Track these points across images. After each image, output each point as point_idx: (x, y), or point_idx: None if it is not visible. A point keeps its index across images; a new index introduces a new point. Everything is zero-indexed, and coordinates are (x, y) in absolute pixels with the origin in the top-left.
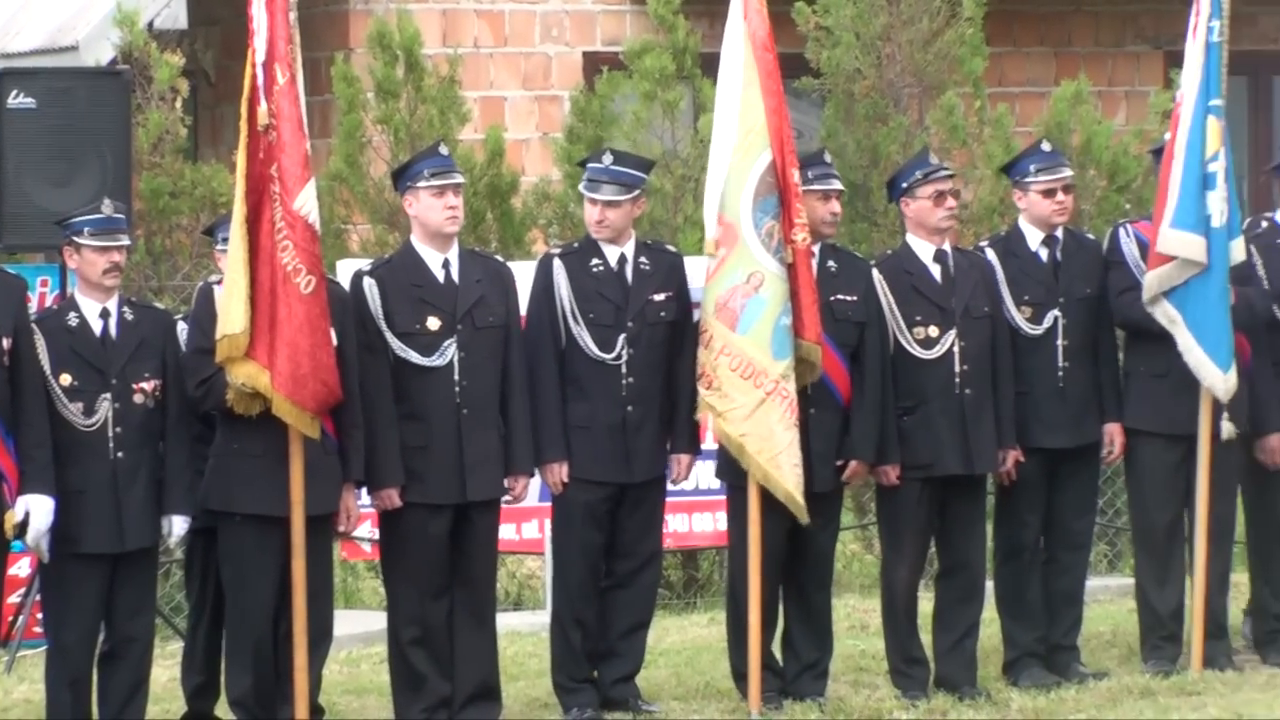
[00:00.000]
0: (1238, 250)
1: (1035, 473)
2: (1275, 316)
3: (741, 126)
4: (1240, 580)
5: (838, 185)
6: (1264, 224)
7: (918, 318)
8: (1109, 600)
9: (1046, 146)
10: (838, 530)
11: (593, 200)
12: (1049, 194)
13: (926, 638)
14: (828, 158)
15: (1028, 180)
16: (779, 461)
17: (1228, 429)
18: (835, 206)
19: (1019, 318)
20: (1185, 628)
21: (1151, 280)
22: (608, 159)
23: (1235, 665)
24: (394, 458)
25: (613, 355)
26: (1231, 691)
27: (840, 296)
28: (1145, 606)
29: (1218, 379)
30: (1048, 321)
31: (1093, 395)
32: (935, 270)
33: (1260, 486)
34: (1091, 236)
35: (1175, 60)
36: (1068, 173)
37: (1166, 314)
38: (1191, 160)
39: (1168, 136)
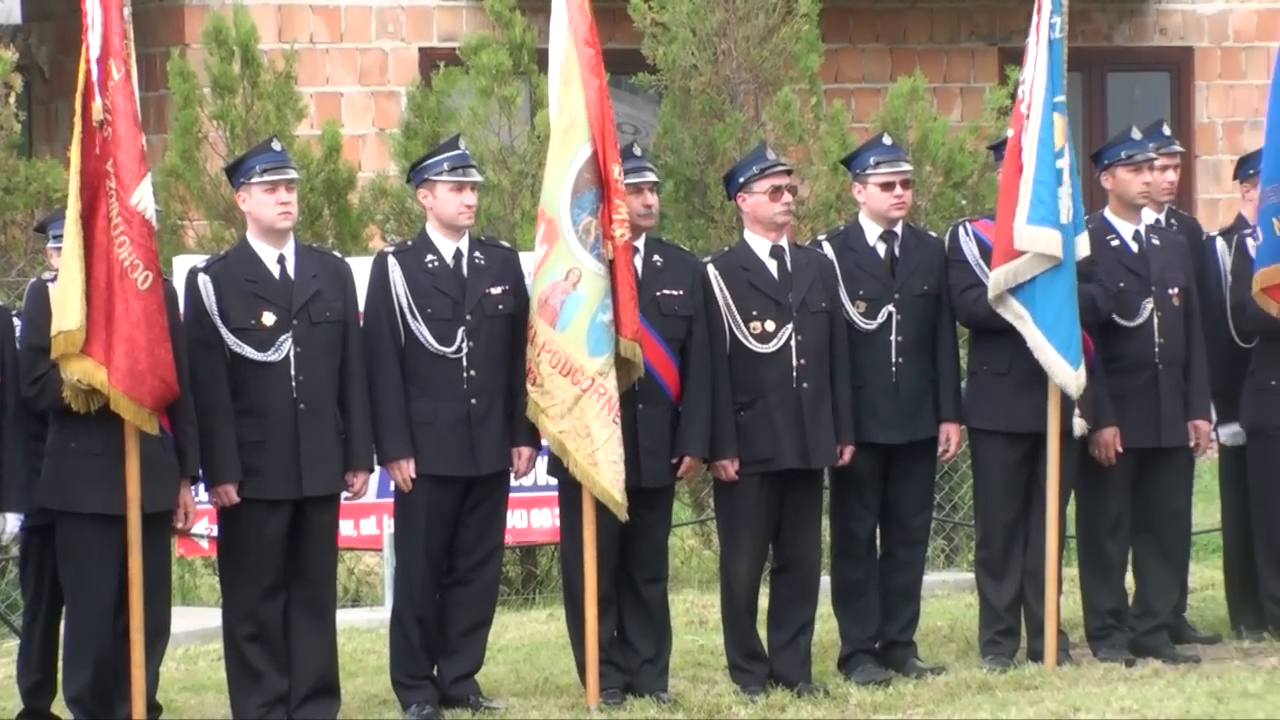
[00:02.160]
0: (1082, 246)
1: (870, 468)
2: (1112, 315)
3: (561, 121)
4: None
5: (651, 177)
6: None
7: (754, 312)
8: (946, 595)
9: (887, 140)
10: (670, 525)
11: (460, 185)
12: (887, 187)
13: (765, 633)
14: (637, 150)
15: (867, 173)
16: (596, 458)
17: (1079, 425)
18: (649, 199)
19: (854, 312)
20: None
21: (999, 277)
22: (464, 144)
23: (1072, 660)
24: (231, 453)
25: (453, 349)
26: (1068, 686)
27: (667, 291)
28: (983, 602)
29: (1069, 376)
30: (882, 317)
31: (928, 392)
32: (772, 265)
33: (1091, 483)
34: (934, 234)
35: (1010, 57)
36: (907, 167)
37: (1013, 310)
38: (1044, 156)
39: (1010, 133)
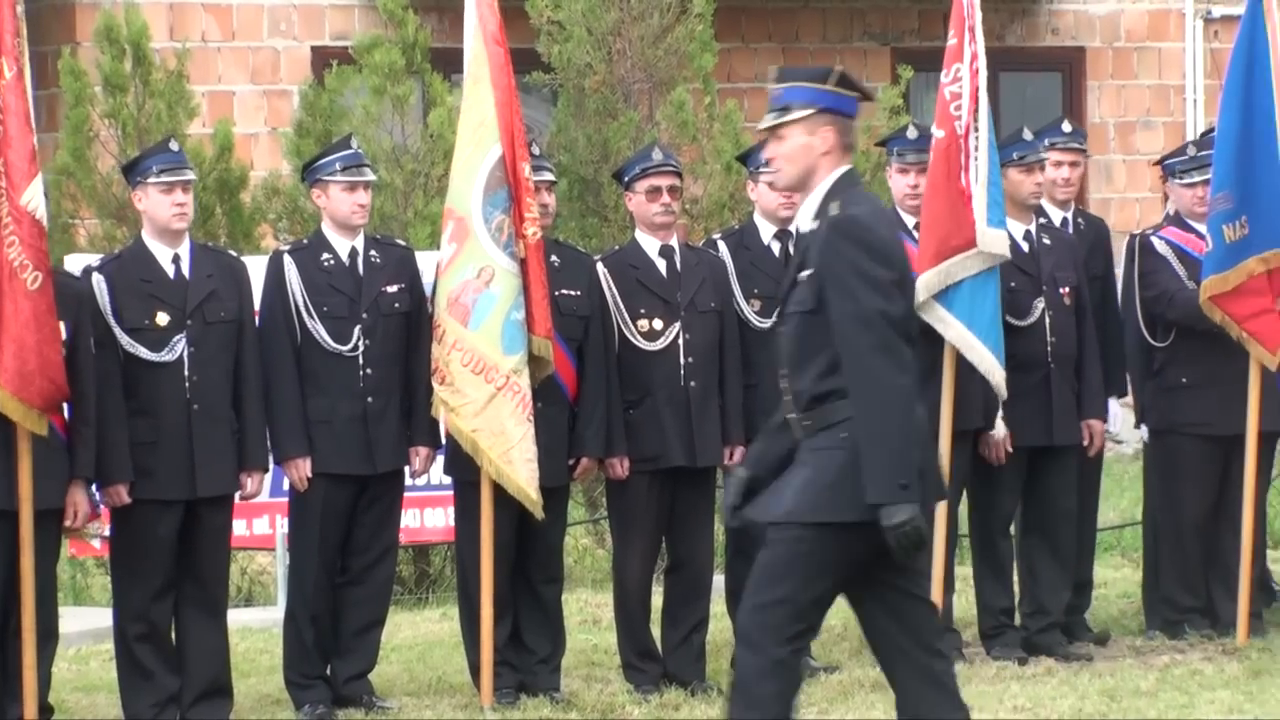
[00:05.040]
0: None
1: None
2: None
3: (471, 120)
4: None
5: (548, 176)
6: None
7: (641, 310)
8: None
9: None
10: (565, 524)
11: (353, 185)
12: None
13: (659, 632)
14: (535, 149)
15: (761, 171)
16: (511, 457)
17: (1001, 428)
18: (545, 198)
19: (748, 310)
20: None
21: (931, 280)
22: (356, 143)
23: (965, 658)
24: (123, 454)
25: (349, 347)
26: (961, 684)
27: (564, 291)
28: None
29: (1000, 375)
30: (777, 315)
31: None
32: (661, 265)
33: (984, 482)
34: None
35: (902, 57)
36: None
37: (937, 315)
38: (992, 158)
39: (941, 133)
